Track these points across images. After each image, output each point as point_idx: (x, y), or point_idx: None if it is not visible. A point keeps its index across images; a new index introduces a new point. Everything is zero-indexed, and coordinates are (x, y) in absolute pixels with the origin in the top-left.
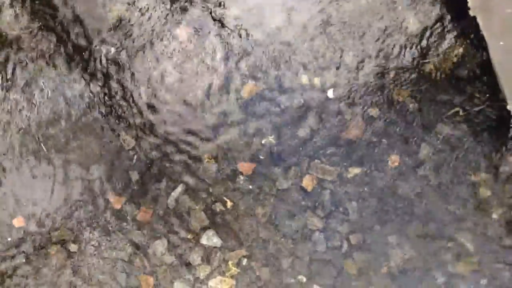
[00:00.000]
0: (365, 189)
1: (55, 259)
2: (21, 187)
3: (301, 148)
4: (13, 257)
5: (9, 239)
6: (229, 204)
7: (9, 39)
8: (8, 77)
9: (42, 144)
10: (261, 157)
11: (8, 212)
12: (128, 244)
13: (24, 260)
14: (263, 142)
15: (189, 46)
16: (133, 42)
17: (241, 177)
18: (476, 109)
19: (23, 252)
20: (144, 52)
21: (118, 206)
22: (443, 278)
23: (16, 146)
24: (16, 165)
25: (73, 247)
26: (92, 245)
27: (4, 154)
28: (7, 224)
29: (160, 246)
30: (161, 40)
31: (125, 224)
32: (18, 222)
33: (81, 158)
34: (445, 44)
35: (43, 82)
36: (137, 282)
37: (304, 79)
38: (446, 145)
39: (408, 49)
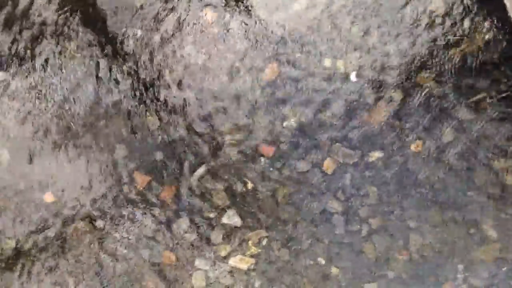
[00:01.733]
0: (386, 173)
1: (83, 233)
2: (51, 164)
3: (322, 131)
4: (43, 231)
5: (40, 213)
6: (250, 185)
7: (41, 23)
8: (39, 59)
9: (72, 123)
10: (282, 140)
11: (39, 187)
12: (152, 222)
13: (53, 234)
14: (284, 124)
15: (214, 29)
16: (160, 24)
17: (262, 159)
18: (502, 94)
19: (53, 226)
20: (169, 34)
21: (142, 185)
22: (463, 264)
23: (46, 124)
24: (46, 143)
25: (99, 223)
26: (117, 222)
27: (35, 133)
28: (38, 199)
29: (182, 224)
30: (187, 22)
31: (149, 202)
32: (48, 197)
33: (108, 137)
34: (471, 27)
35: (71, 64)
36: (160, 258)
37: (327, 62)
38: (470, 131)
39: (433, 32)
